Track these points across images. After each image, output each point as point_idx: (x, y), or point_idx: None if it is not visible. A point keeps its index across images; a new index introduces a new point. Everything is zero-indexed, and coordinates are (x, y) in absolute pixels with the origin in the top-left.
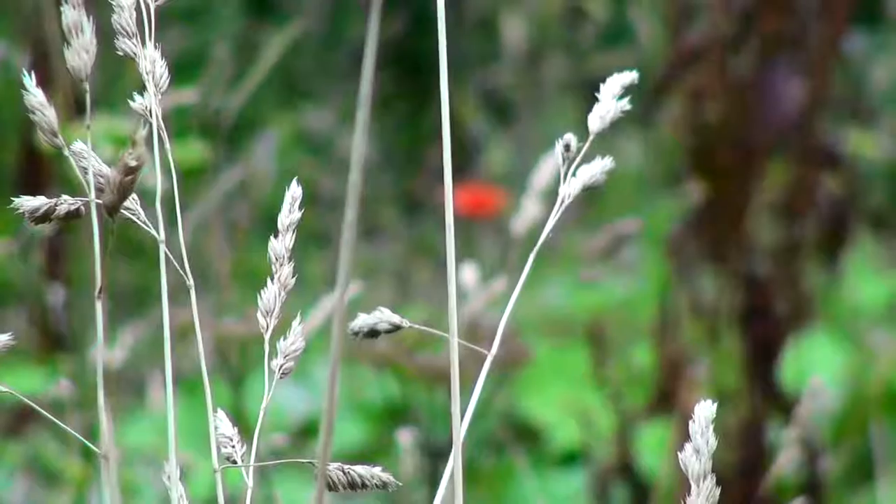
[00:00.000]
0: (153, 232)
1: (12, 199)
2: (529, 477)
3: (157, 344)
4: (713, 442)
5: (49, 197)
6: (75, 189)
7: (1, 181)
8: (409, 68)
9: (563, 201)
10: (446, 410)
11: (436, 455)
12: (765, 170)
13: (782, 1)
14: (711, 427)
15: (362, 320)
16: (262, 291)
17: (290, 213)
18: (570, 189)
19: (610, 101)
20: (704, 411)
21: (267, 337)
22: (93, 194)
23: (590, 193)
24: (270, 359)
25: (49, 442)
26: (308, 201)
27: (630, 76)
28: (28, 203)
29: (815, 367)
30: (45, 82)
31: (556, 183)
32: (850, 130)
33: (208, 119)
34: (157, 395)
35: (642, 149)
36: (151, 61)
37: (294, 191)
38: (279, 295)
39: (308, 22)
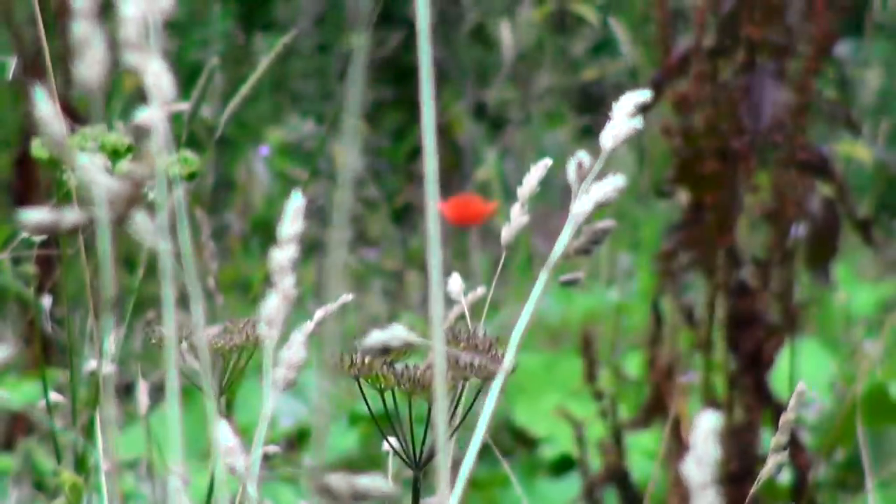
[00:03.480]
0: (159, 244)
1: (11, 209)
2: (521, 485)
3: (142, 352)
4: (715, 452)
5: (45, 205)
6: (71, 197)
7: None
8: (402, 80)
9: (575, 220)
10: (430, 419)
11: (419, 463)
12: (751, 177)
13: (769, 8)
14: (713, 437)
15: (374, 337)
16: (263, 302)
17: (292, 224)
18: (582, 207)
19: (622, 120)
20: (707, 421)
21: (270, 349)
22: (100, 207)
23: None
24: (271, 370)
25: (42, 453)
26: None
27: (643, 95)
28: (33, 217)
29: (805, 375)
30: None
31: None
32: (838, 137)
33: (199, 128)
34: (145, 403)
35: (632, 157)
36: (157, 74)
37: (296, 201)
38: (281, 306)
39: (299, 32)
